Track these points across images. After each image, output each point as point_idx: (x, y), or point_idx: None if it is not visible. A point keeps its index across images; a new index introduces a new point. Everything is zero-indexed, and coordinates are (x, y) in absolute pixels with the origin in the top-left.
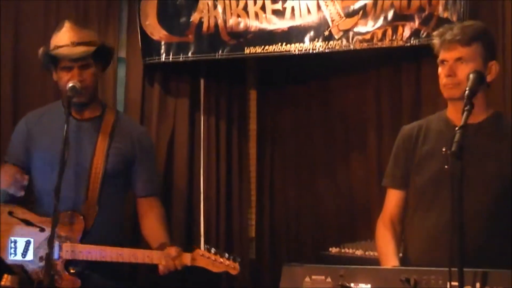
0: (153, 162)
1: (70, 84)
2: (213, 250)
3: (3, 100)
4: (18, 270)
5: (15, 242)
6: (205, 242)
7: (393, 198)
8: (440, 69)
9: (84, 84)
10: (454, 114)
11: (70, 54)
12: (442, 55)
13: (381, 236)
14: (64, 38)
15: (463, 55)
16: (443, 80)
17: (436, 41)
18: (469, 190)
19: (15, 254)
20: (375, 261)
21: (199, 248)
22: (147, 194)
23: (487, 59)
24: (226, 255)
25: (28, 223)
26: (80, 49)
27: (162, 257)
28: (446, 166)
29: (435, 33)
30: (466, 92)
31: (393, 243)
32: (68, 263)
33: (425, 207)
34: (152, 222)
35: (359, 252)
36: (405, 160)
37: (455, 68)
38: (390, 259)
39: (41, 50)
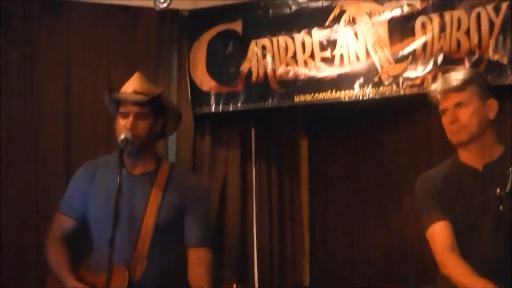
0: (204, 213)
1: (122, 137)
2: (235, 285)
3: (56, 146)
4: None
5: None
6: None
7: (445, 229)
8: (443, 119)
9: (135, 133)
10: (467, 157)
11: (128, 99)
12: (442, 105)
13: (455, 261)
14: (129, 86)
15: (460, 100)
16: (448, 128)
17: (433, 94)
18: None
19: None
20: None
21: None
22: (196, 245)
23: (485, 99)
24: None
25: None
26: (138, 97)
27: None
28: (501, 207)
29: (433, 87)
30: None
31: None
32: None
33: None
34: (197, 274)
35: None
36: (438, 201)
37: (457, 114)
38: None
39: (106, 94)
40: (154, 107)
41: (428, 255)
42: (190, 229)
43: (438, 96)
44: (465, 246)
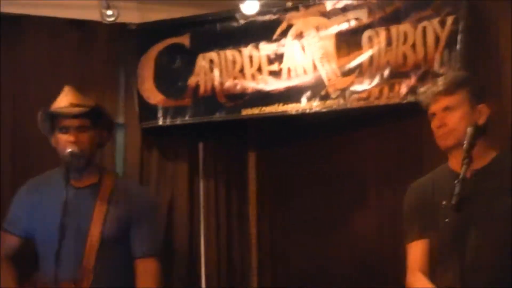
0: (150, 222)
1: (69, 150)
2: None
3: (2, 163)
4: None
5: None
6: None
7: (418, 248)
8: (432, 124)
9: (81, 146)
10: (455, 163)
11: (67, 112)
12: (431, 109)
13: (417, 281)
14: (63, 100)
15: (448, 103)
16: (436, 132)
17: (422, 97)
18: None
19: None
20: None
21: None
22: (143, 255)
23: (475, 103)
24: None
25: None
26: (77, 109)
27: None
28: (446, 220)
29: (420, 90)
30: (464, 145)
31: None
32: None
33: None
34: (145, 283)
35: None
36: (422, 215)
37: (444, 118)
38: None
39: (39, 115)
40: (93, 118)
41: (386, 261)
42: (136, 240)
43: (427, 100)
44: (454, 255)
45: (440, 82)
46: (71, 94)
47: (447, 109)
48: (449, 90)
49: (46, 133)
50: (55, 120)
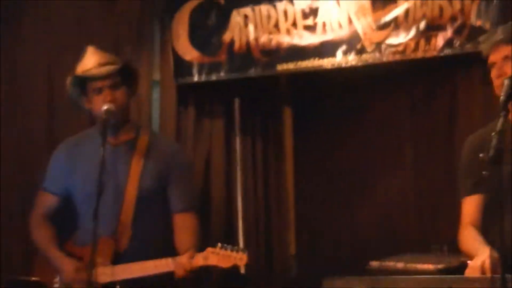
0: (188, 178)
1: (105, 107)
2: (219, 245)
3: (37, 130)
4: None
5: None
6: None
7: (470, 204)
8: (491, 73)
9: (117, 103)
10: None
11: (99, 73)
12: (490, 58)
13: (467, 234)
14: (89, 62)
15: (508, 53)
16: (495, 82)
17: (483, 46)
18: None
19: None
20: (417, 274)
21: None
22: (182, 210)
23: None
24: (230, 247)
25: None
26: (107, 68)
27: (171, 264)
28: (483, 172)
29: (480, 38)
30: (501, 97)
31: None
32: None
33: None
34: (184, 239)
35: (400, 265)
36: (475, 170)
37: (504, 68)
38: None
39: (68, 79)
40: (122, 74)
41: (414, 220)
42: (174, 195)
43: (487, 49)
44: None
45: (500, 31)
46: (97, 54)
47: (507, 58)
48: (509, 39)
49: (77, 96)
50: (85, 82)
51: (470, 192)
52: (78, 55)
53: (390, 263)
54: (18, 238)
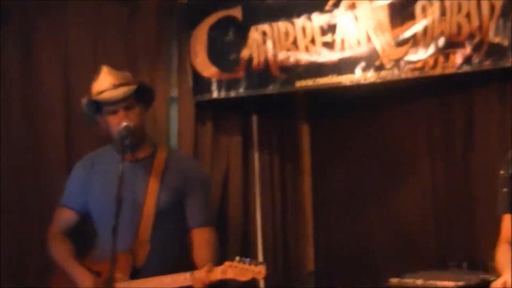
0: (205, 194)
1: (124, 124)
2: (237, 258)
3: (56, 142)
4: None
5: None
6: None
7: (508, 222)
8: None
9: (133, 124)
10: None
11: (114, 96)
12: None
13: (501, 252)
14: (104, 82)
15: None
16: None
17: None
18: None
19: None
20: None
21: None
22: (199, 225)
23: None
24: (248, 260)
25: None
26: (122, 90)
27: (189, 278)
28: (504, 190)
29: None
30: None
31: None
32: None
33: None
34: (202, 254)
35: (419, 282)
36: None
37: None
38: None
39: (84, 100)
40: (137, 94)
41: (431, 235)
42: (192, 210)
43: None
44: None
45: None
46: (111, 74)
47: None
48: None
49: (92, 116)
50: (100, 103)
51: (507, 210)
52: (95, 72)
53: (410, 280)
54: (36, 253)
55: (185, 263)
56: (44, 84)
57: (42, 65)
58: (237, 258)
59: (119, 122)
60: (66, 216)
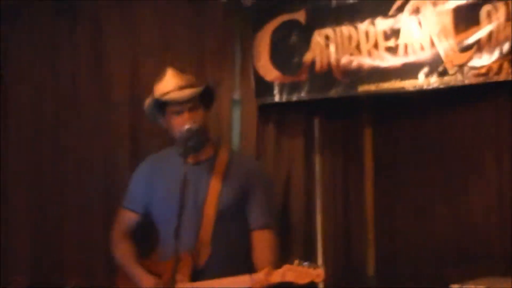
0: (267, 195)
1: (187, 126)
2: (296, 261)
3: (121, 144)
4: None
5: None
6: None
7: None
8: None
9: (196, 125)
10: None
11: (180, 97)
12: None
13: None
14: (169, 84)
15: None
16: None
17: None
18: None
19: None
20: None
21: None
22: (260, 227)
23: None
24: (307, 263)
25: None
26: (188, 91)
27: (248, 280)
28: None
29: None
30: None
31: None
32: None
33: None
34: (262, 256)
35: None
36: None
37: None
38: None
39: (148, 100)
40: (200, 95)
41: (497, 239)
42: (253, 212)
43: None
44: None
45: None
46: (176, 76)
47: None
48: None
49: (155, 116)
50: (164, 104)
51: None
52: (158, 70)
53: (471, 287)
54: (101, 254)
55: (246, 265)
56: (112, 83)
57: (110, 64)
58: (296, 261)
59: (184, 123)
60: (128, 219)
